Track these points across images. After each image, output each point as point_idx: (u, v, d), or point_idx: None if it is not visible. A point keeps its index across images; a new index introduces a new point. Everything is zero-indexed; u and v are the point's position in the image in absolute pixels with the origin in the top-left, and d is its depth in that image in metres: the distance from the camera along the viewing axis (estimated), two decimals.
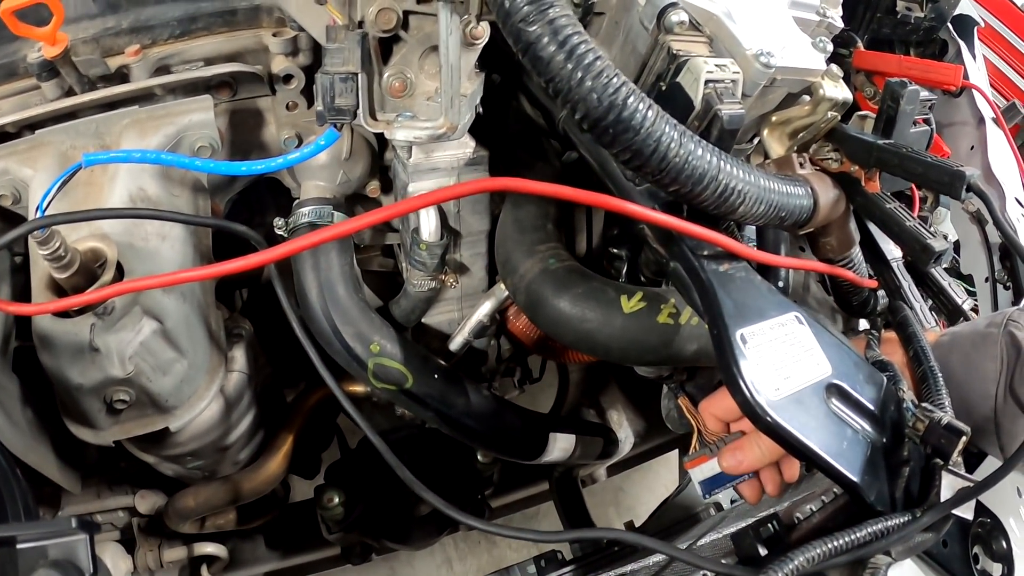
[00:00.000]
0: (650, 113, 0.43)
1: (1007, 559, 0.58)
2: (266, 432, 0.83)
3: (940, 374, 0.57)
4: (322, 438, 1.01)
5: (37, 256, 0.59)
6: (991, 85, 2.29)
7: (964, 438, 0.47)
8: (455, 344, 0.73)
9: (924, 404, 0.50)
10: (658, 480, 1.47)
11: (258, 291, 0.89)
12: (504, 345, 0.86)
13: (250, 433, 0.80)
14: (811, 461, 0.46)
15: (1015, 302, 0.89)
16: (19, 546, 0.39)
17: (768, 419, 0.44)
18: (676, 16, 0.57)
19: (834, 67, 0.69)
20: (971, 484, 0.48)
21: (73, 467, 0.74)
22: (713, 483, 0.95)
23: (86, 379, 0.60)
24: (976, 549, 0.58)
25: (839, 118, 0.68)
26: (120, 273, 0.59)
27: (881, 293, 0.83)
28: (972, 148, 1.07)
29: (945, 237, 1.11)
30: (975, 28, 1.28)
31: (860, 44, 1.04)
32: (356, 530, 0.89)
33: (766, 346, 0.45)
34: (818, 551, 0.43)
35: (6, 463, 0.45)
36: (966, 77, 1.09)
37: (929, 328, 0.77)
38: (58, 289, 0.59)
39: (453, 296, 0.74)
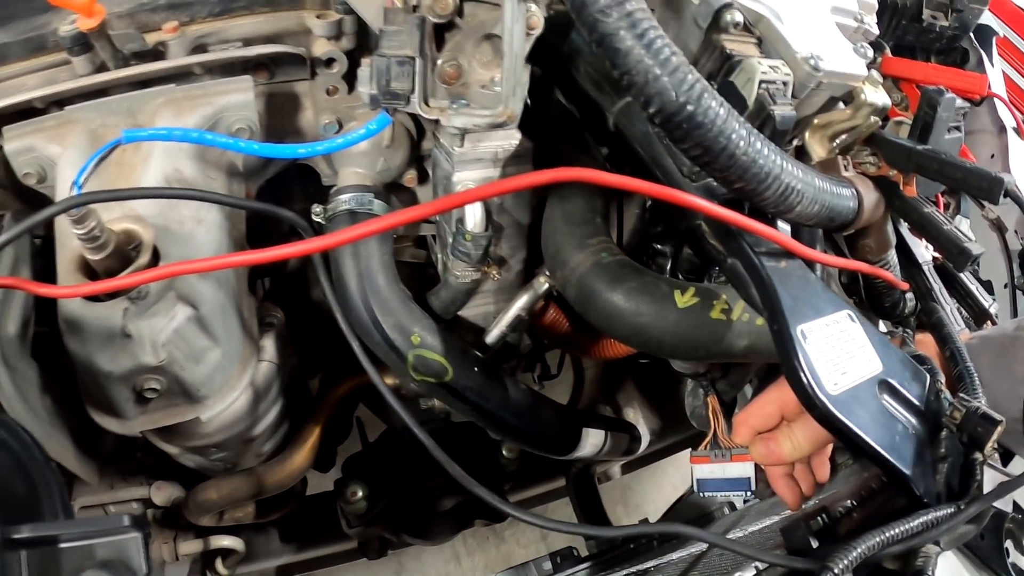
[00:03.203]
0: (722, 111, 0.40)
1: None
2: (290, 424, 0.80)
3: (975, 374, 0.56)
4: (341, 431, 0.97)
5: (66, 236, 0.56)
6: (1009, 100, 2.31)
7: (1000, 427, 0.46)
8: (491, 337, 0.70)
9: (962, 394, 0.49)
10: (666, 478, 1.45)
11: (282, 280, 0.86)
12: (524, 340, 0.83)
13: (276, 425, 0.76)
14: (866, 454, 0.44)
15: None
16: (62, 545, 0.35)
17: (829, 412, 0.42)
18: (731, 16, 0.55)
19: (875, 73, 0.68)
20: (1008, 478, 0.47)
21: (91, 457, 0.70)
22: (708, 485, 0.93)
23: (116, 366, 0.56)
24: (1007, 543, 0.57)
25: (880, 123, 0.67)
26: (156, 256, 0.56)
27: (909, 296, 0.82)
28: (992, 156, 1.06)
29: None
30: (994, 38, 1.28)
31: (888, 51, 1.03)
32: (377, 524, 0.85)
33: (823, 342, 0.44)
34: (875, 540, 0.42)
35: (42, 457, 0.41)
36: (988, 87, 1.09)
37: (960, 330, 0.77)
38: (88, 271, 0.55)
39: (490, 289, 0.71)
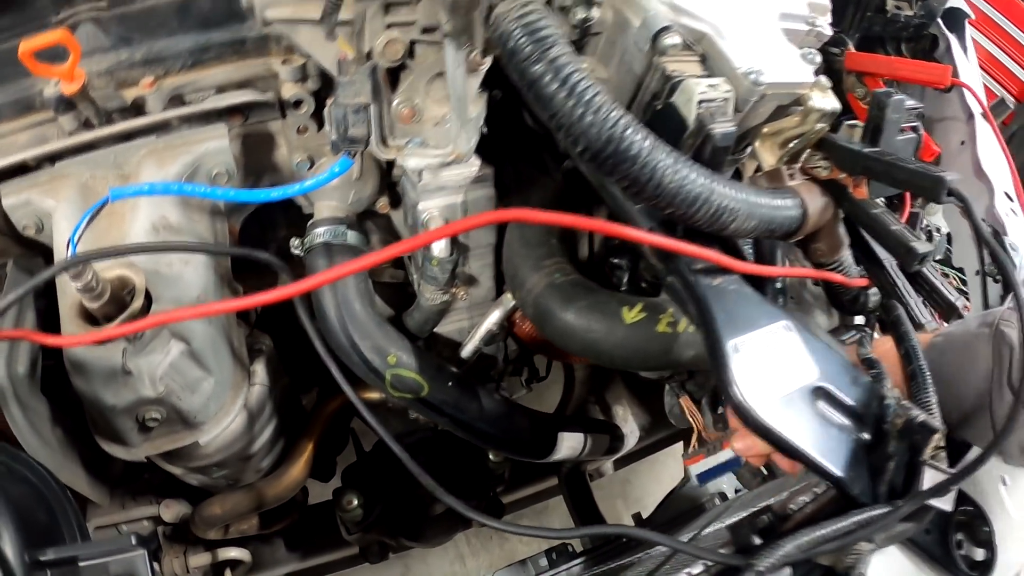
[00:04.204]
0: (646, 144, 0.46)
1: (990, 544, 0.63)
2: (287, 439, 0.88)
3: (928, 372, 0.61)
4: (338, 442, 1.05)
5: (66, 285, 0.63)
6: (991, 74, 2.34)
7: (937, 435, 0.52)
8: (466, 352, 0.77)
9: (905, 402, 0.55)
10: (665, 471, 1.52)
11: (273, 304, 0.93)
12: (511, 346, 0.90)
13: (272, 441, 0.84)
14: (798, 458, 0.50)
15: (1004, 295, 0.93)
16: (81, 564, 0.43)
17: (758, 421, 0.48)
18: (669, 39, 0.60)
19: (823, 78, 0.73)
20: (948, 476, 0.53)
21: (101, 481, 0.79)
22: (709, 475, 1.01)
23: (119, 400, 0.64)
24: (960, 536, 0.63)
25: (828, 128, 0.72)
26: (148, 299, 0.63)
27: (873, 290, 0.87)
28: (963, 143, 1.11)
29: (938, 230, 1.15)
30: (966, 21, 1.31)
31: (851, 46, 1.08)
32: (374, 530, 0.93)
33: (756, 354, 0.50)
34: (804, 540, 0.48)
35: (59, 487, 0.49)
36: (955, 74, 1.13)
37: (926, 324, 0.82)
38: (88, 316, 0.62)
39: (463, 306, 0.78)
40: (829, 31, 0.78)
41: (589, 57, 0.68)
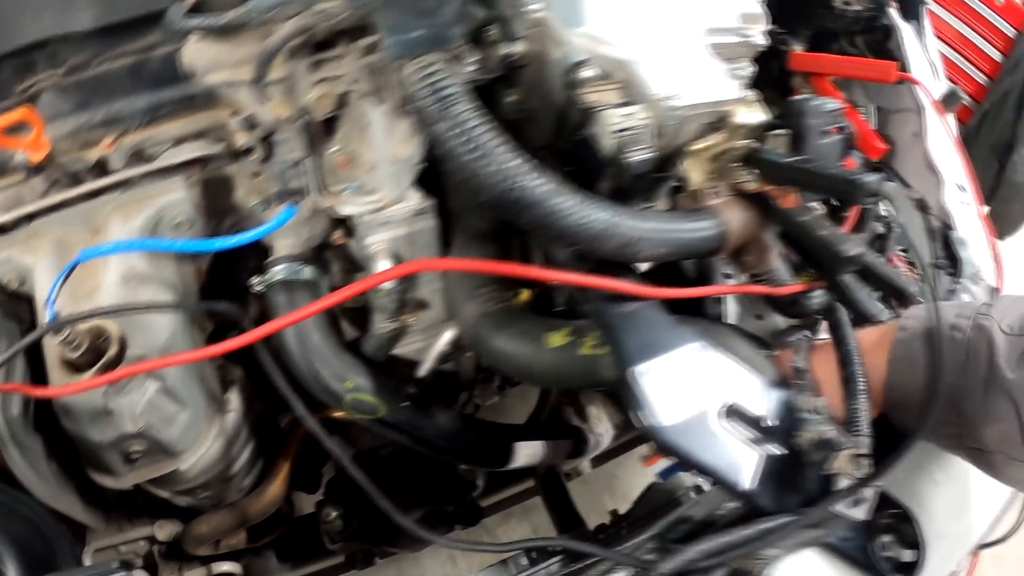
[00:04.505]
0: (546, 188, 0.55)
1: (918, 545, 0.71)
2: (266, 459, 0.99)
3: (862, 379, 0.68)
4: (321, 456, 1.17)
5: (49, 340, 0.74)
6: (963, 55, 2.39)
7: (846, 450, 0.60)
8: (423, 371, 0.87)
9: (816, 415, 0.63)
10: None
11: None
12: (473, 361, 1.00)
13: (251, 462, 0.96)
14: (706, 474, 0.60)
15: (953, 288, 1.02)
16: None
17: (666, 443, 0.57)
18: (584, 72, 0.69)
19: (749, 92, 0.81)
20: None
21: (96, 507, 0.91)
22: (668, 472, 1.12)
23: (104, 437, 0.75)
24: (888, 538, 0.71)
25: (753, 143, 0.80)
26: (122, 345, 0.74)
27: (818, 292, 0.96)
28: (916, 135, 1.18)
29: (889, 225, 1.22)
30: (921, 6, 1.38)
31: (796, 46, 1.15)
32: (355, 539, 1.05)
33: (666, 376, 0.59)
34: (707, 546, 0.57)
35: (54, 521, 0.60)
36: (905, 66, 1.20)
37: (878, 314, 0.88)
38: (70, 364, 0.74)
39: (418, 328, 0.88)
40: (762, 40, 0.85)
41: (519, 89, 0.77)
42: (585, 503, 1.33)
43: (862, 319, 0.79)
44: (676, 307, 0.80)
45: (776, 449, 0.63)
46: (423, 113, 0.53)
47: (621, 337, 0.60)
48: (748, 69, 0.83)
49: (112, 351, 0.72)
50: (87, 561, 0.84)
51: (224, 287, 0.91)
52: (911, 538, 0.71)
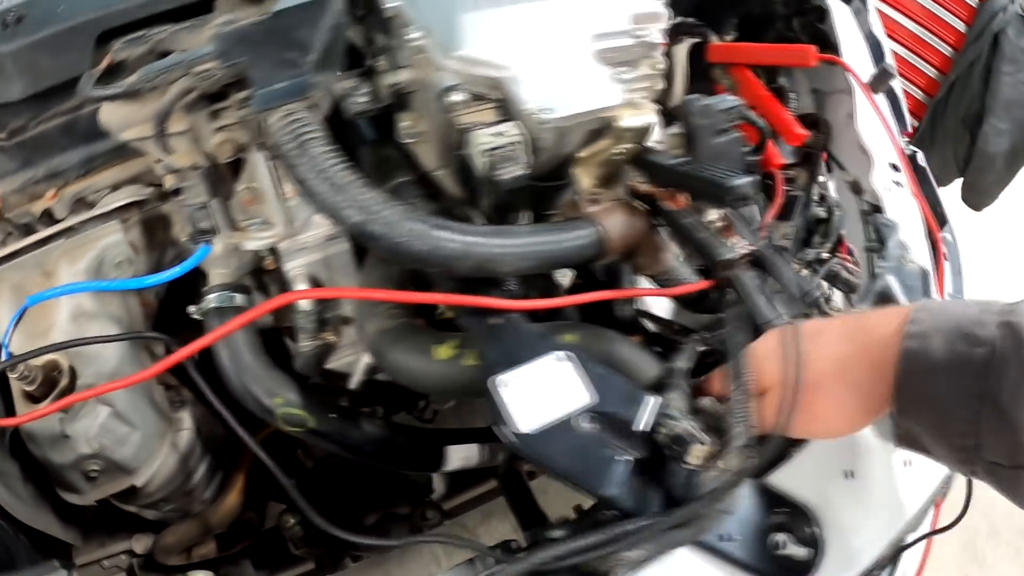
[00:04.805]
0: (392, 219, 0.66)
1: (815, 543, 0.73)
2: (225, 471, 1.13)
3: (745, 377, 0.70)
4: (286, 467, 1.31)
5: (12, 376, 0.89)
6: (927, 28, 2.45)
7: (699, 447, 0.65)
8: (353, 384, 1.00)
9: (676, 415, 0.69)
10: None
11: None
12: None
13: (209, 475, 1.10)
14: (566, 480, 0.65)
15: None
16: None
17: (522, 448, 0.64)
18: (454, 96, 0.78)
19: (635, 96, 0.89)
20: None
21: (73, 524, 1.06)
22: None
23: (64, 459, 0.90)
24: (781, 537, 0.72)
25: (638, 146, 0.89)
26: (73, 376, 0.89)
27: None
28: (849, 116, 1.26)
29: (831, 210, 1.30)
30: None
31: (714, 38, 1.24)
32: (317, 545, 1.19)
33: (526, 386, 0.66)
34: (563, 549, 0.62)
35: (11, 529, 0.75)
36: (835, 48, 1.27)
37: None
38: (30, 396, 0.89)
39: (347, 343, 1.01)
40: (659, 38, 0.89)
41: (410, 114, 0.88)
42: (564, 499, 1.44)
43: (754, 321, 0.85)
44: (585, 310, 0.91)
45: (638, 451, 0.68)
46: (285, 157, 0.65)
47: (485, 349, 0.70)
48: (636, 72, 0.91)
49: (64, 382, 0.87)
50: None
51: (178, 316, 1.05)
52: (807, 536, 0.73)
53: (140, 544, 1.17)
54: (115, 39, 0.79)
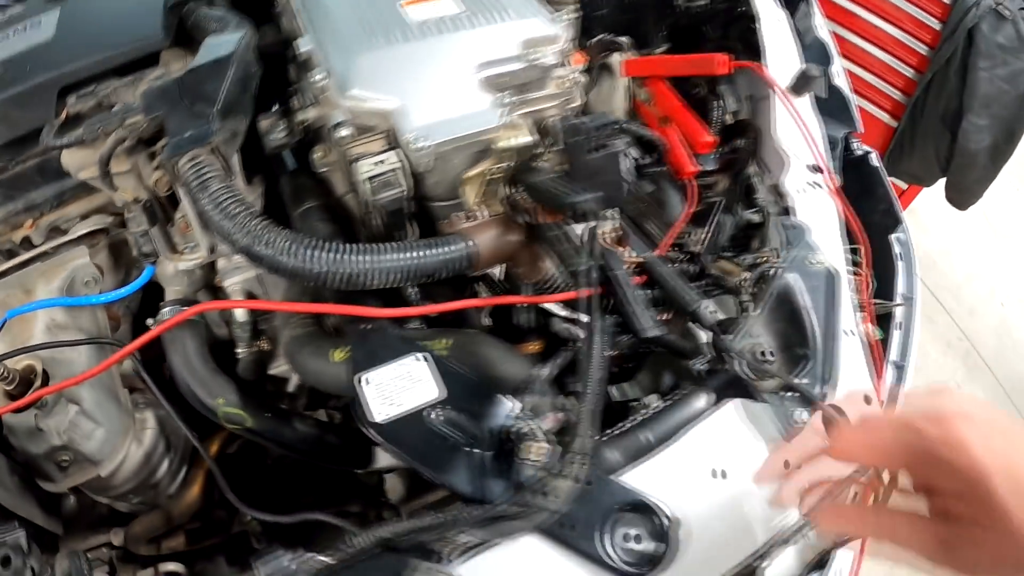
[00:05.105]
0: (272, 240, 0.83)
1: (665, 537, 0.83)
2: (187, 468, 1.34)
3: (591, 382, 0.84)
4: (255, 464, 1.50)
5: None
6: (902, 28, 2.58)
7: (532, 442, 0.79)
8: (290, 387, 1.19)
9: (524, 416, 0.83)
10: None
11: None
12: None
13: (175, 471, 1.30)
14: (414, 465, 0.80)
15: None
16: None
17: (375, 436, 0.80)
18: (342, 131, 0.95)
19: (514, 117, 1.02)
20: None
21: (54, 515, 1.27)
22: None
23: (40, 449, 1.11)
24: (633, 531, 0.83)
25: (519, 164, 1.02)
26: (47, 378, 1.10)
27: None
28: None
29: (764, 213, 1.41)
30: None
31: (629, 51, 1.40)
32: (276, 539, 1.37)
33: (385, 383, 0.84)
34: (400, 527, 0.77)
35: None
36: (760, 54, 1.40)
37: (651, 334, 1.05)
38: (10, 395, 1.10)
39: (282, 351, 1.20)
40: (553, 59, 1.07)
41: (321, 146, 1.07)
42: None
43: (631, 330, 0.99)
44: (454, 316, 1.07)
45: (486, 445, 0.81)
46: (190, 193, 0.85)
47: (355, 351, 0.88)
48: (546, 90, 1.07)
49: (38, 383, 1.08)
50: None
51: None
52: (657, 532, 0.83)
53: (117, 537, 1.39)
54: (71, 93, 1.01)
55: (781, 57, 1.49)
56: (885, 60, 2.58)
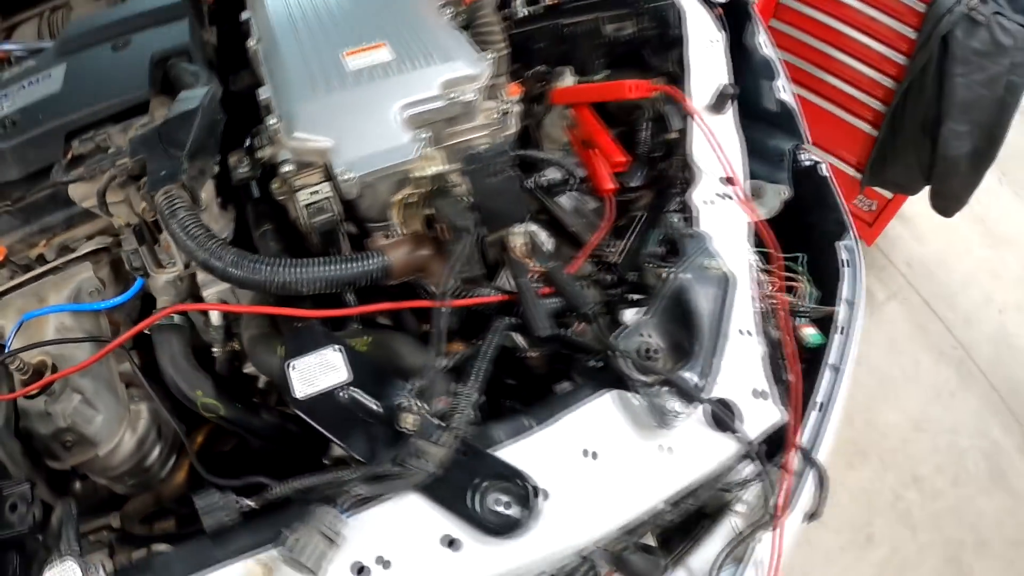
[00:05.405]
0: (226, 258, 1.11)
1: (528, 504, 1.02)
2: (176, 455, 1.63)
3: (476, 372, 1.13)
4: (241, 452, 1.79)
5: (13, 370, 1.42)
6: (878, 39, 2.80)
7: (407, 415, 1.04)
8: (261, 383, 1.47)
9: (408, 396, 1.08)
10: None
11: None
12: None
13: (163, 458, 1.58)
14: (326, 434, 1.07)
15: None
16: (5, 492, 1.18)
17: (301, 411, 1.06)
18: (284, 168, 1.24)
19: (429, 150, 1.27)
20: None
21: (58, 492, 1.57)
22: None
23: (47, 430, 1.40)
24: (504, 497, 1.02)
25: (428, 191, 1.27)
26: (55, 371, 1.40)
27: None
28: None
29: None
30: (750, 7, 1.82)
31: (564, 80, 1.65)
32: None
33: (307, 368, 1.09)
34: (300, 484, 1.05)
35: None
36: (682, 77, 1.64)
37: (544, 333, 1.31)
38: (25, 384, 1.41)
39: None
40: (472, 96, 1.33)
41: (278, 178, 1.35)
42: None
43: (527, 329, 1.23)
44: (395, 318, 1.34)
45: (378, 417, 1.07)
46: (164, 220, 1.13)
47: (287, 344, 1.15)
48: (476, 120, 1.34)
49: (48, 374, 1.38)
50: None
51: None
52: (523, 500, 1.02)
53: (116, 520, 1.68)
54: (76, 137, 1.32)
55: (712, 77, 1.70)
56: (863, 71, 2.76)
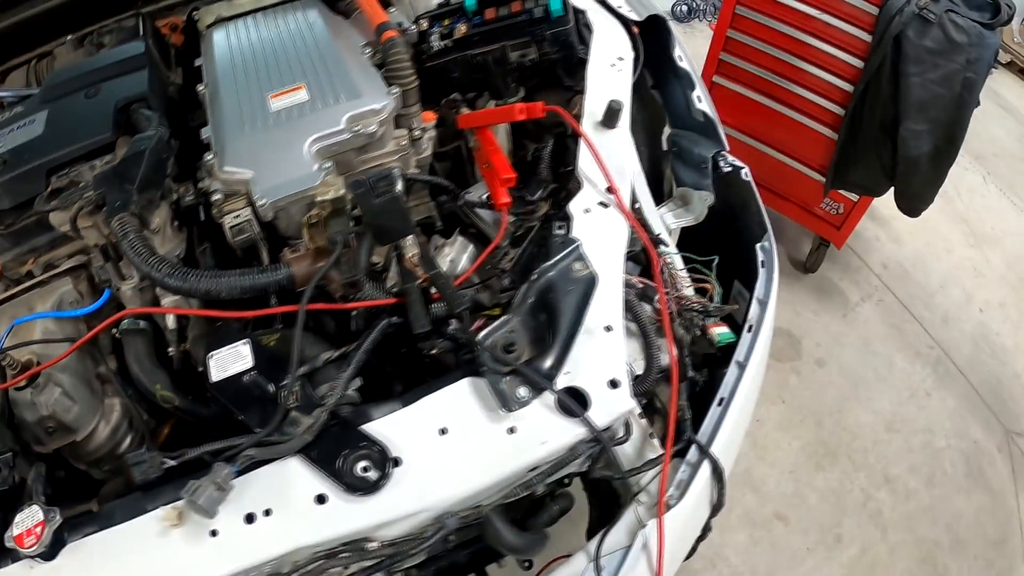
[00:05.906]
0: (164, 269, 1.53)
1: (384, 472, 1.37)
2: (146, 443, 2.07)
3: (354, 362, 1.59)
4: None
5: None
6: (833, 44, 3.17)
7: (287, 393, 1.51)
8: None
9: (295, 381, 1.52)
10: None
11: None
12: None
13: (135, 447, 2.03)
14: (231, 409, 1.52)
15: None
16: None
17: (216, 393, 1.49)
18: (214, 196, 1.65)
19: (330, 177, 1.69)
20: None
21: (51, 480, 2.03)
22: None
23: (33, 417, 1.85)
24: (364, 463, 1.38)
25: (328, 212, 1.69)
26: (39, 365, 1.86)
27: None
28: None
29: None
30: (666, 22, 2.18)
31: (464, 108, 2.05)
32: None
33: (222, 358, 1.50)
34: (210, 448, 1.48)
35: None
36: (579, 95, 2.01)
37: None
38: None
39: None
40: (375, 127, 1.74)
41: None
42: None
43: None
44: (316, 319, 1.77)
45: (273, 396, 1.48)
46: (118, 242, 1.57)
47: (209, 340, 1.58)
48: (328, 163, 1.76)
49: (33, 369, 1.84)
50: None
51: None
52: (379, 465, 1.37)
53: (95, 506, 2.14)
54: (55, 174, 1.78)
55: (613, 94, 1.98)
56: (822, 76, 3.05)
